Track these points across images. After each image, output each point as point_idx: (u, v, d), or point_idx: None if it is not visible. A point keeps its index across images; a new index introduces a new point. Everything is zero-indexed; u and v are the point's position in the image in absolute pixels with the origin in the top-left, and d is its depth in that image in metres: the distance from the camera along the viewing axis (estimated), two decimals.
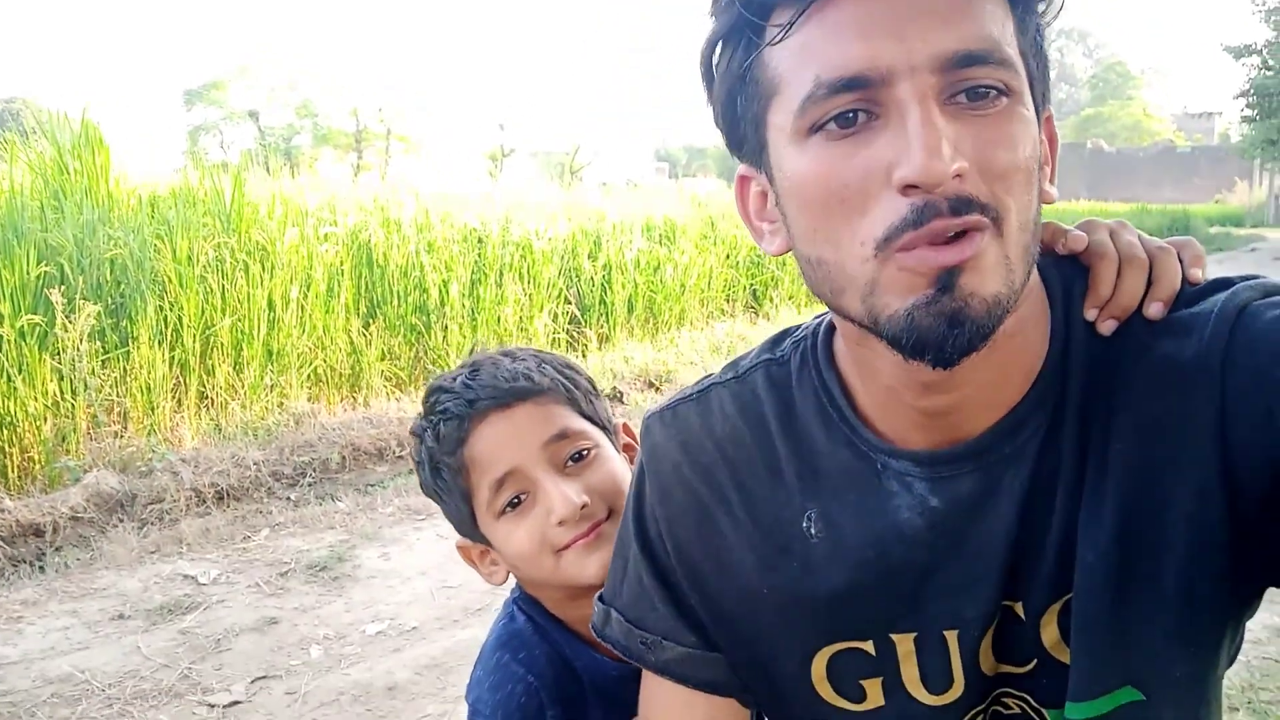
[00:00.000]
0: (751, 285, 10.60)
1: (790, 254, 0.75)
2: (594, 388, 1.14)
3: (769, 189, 0.74)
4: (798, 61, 0.65)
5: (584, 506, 1.02)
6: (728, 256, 10.34)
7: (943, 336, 0.63)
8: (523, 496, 1.05)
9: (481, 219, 8.32)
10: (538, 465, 1.04)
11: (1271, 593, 0.77)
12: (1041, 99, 0.71)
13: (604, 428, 1.11)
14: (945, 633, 0.78)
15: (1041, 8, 0.69)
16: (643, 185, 15.04)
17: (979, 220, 0.62)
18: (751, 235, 0.79)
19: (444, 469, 1.06)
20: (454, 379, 1.08)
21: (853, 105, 0.64)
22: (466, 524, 1.09)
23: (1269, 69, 21.60)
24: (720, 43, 0.72)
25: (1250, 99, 22.52)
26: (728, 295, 10.23)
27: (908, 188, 0.62)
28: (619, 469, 1.08)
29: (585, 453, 1.06)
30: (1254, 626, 3.12)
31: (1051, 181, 0.74)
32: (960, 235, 0.62)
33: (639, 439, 0.94)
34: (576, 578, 1.03)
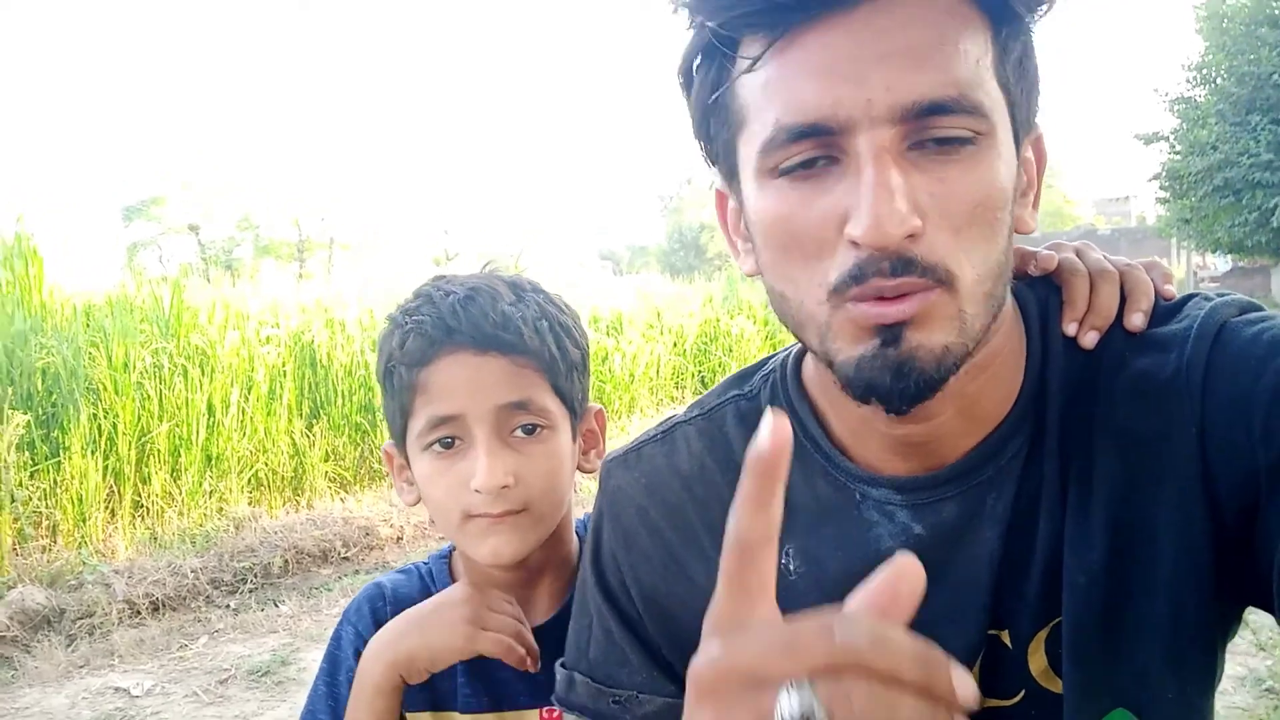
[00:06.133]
0: (700, 372, 10.66)
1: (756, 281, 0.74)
2: (584, 360, 1.07)
3: (741, 211, 0.73)
4: (762, 98, 0.65)
5: (505, 488, 0.97)
6: (675, 345, 10.42)
7: (889, 388, 0.64)
8: (456, 441, 0.99)
9: None
10: (482, 422, 0.97)
11: (1231, 642, 0.76)
12: (1026, 122, 0.69)
13: (572, 409, 1.04)
14: None
15: (1029, 21, 0.67)
16: (587, 281, 15.20)
17: (916, 283, 0.62)
18: (729, 248, 0.79)
19: (395, 375, 1.01)
20: (446, 295, 1.00)
21: (812, 153, 0.63)
22: (397, 434, 1.04)
23: (1177, 153, 22.82)
24: (697, 57, 0.70)
25: (1163, 182, 23.70)
26: (676, 382, 10.27)
27: (855, 243, 0.62)
28: (559, 466, 1.02)
29: (537, 430, 1.00)
30: None
31: (1035, 207, 0.73)
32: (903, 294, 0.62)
33: (599, 484, 0.90)
34: (470, 549, 1.00)
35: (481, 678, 1.04)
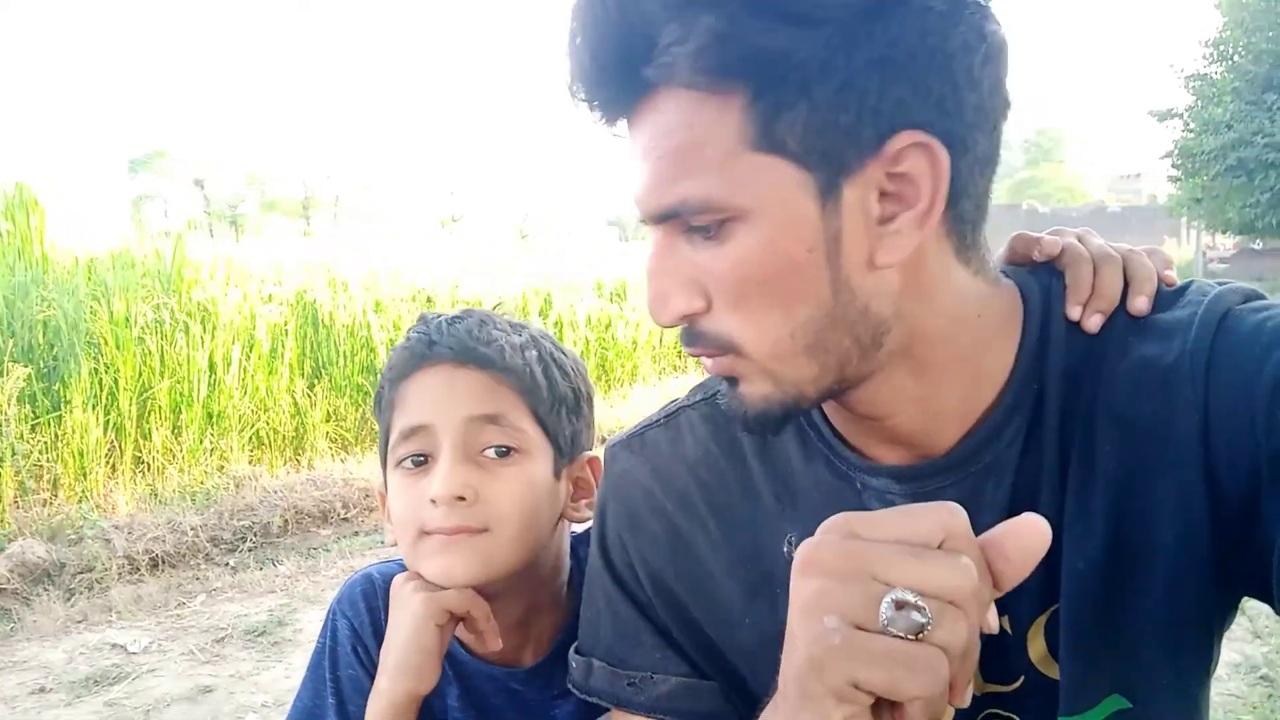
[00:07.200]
0: None
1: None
2: (578, 403, 1.03)
3: None
4: None
5: (460, 499, 0.92)
6: None
7: (745, 424, 0.71)
8: (427, 459, 0.96)
9: (431, 279, 8.28)
10: (449, 434, 0.94)
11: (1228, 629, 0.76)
12: (858, 155, 0.60)
13: (557, 444, 1.00)
14: None
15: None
16: (594, 247, 15.17)
17: (704, 352, 0.69)
18: None
19: (384, 393, 1.01)
20: (438, 317, 1.02)
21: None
22: (383, 462, 1.02)
23: (1190, 131, 22.57)
24: None
25: (1175, 160, 23.44)
26: (679, 352, 10.25)
27: None
28: (530, 493, 0.97)
29: (510, 453, 0.96)
30: None
31: (924, 225, 0.63)
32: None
33: (602, 470, 0.89)
34: (423, 568, 0.95)
35: (475, 704, 1.02)
